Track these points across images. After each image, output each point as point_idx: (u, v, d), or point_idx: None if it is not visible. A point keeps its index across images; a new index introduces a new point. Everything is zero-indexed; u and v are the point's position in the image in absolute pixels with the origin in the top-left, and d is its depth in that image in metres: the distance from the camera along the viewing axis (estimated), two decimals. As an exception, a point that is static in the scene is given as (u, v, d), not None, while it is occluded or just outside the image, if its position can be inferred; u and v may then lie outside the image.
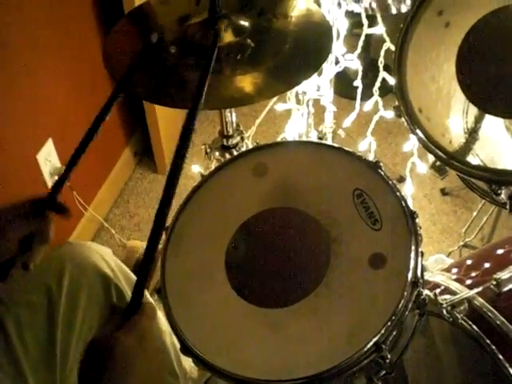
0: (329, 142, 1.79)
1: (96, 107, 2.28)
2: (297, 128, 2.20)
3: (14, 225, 1.11)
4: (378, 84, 1.99)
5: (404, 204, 1.12)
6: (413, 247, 1.06)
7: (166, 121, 2.52)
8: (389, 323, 0.99)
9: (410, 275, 1.03)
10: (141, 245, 2.16)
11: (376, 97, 2.04)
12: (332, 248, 1.11)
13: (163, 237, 1.21)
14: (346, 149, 1.25)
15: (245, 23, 1.42)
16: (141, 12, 1.59)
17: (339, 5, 1.78)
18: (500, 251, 1.49)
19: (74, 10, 2.08)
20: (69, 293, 1.31)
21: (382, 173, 1.18)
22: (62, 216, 1.17)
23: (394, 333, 1.00)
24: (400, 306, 1.00)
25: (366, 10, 1.64)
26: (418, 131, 1.32)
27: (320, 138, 2.22)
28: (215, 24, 1.39)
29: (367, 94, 2.12)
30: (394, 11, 1.52)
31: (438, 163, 1.29)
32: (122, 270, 1.45)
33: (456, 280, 1.37)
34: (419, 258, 1.06)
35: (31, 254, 1.11)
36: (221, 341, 1.08)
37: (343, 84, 2.41)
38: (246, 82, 1.32)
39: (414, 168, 2.14)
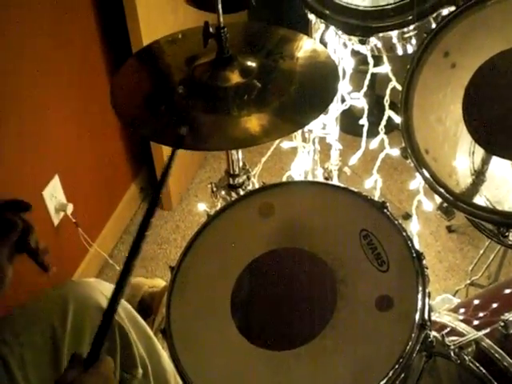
0: (335, 181, 1.79)
1: (102, 145, 2.31)
2: (303, 166, 2.20)
3: None
4: (383, 122, 1.99)
5: (411, 245, 1.12)
6: (420, 289, 1.06)
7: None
8: (396, 366, 0.98)
9: (417, 318, 1.03)
10: (145, 282, 2.15)
11: (382, 135, 2.04)
12: (338, 289, 1.11)
13: (169, 276, 1.21)
14: (352, 189, 1.26)
15: (252, 64, 1.43)
16: (149, 52, 1.60)
17: (345, 45, 1.79)
18: (507, 291, 1.48)
19: (83, 48, 2.10)
20: (73, 333, 1.30)
21: (389, 213, 1.18)
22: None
23: (402, 376, 0.99)
24: (407, 349, 1.00)
25: (371, 50, 1.65)
26: (424, 172, 1.32)
27: (326, 178, 2.22)
28: (223, 65, 1.39)
29: (373, 131, 2.13)
30: (400, 52, 1.53)
31: (445, 205, 1.29)
32: (126, 309, 1.44)
33: (463, 321, 1.36)
34: (426, 300, 1.05)
35: None
36: (224, 382, 1.07)
37: (349, 121, 2.41)
38: (253, 123, 1.32)
39: (420, 205, 2.13)
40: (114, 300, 0.97)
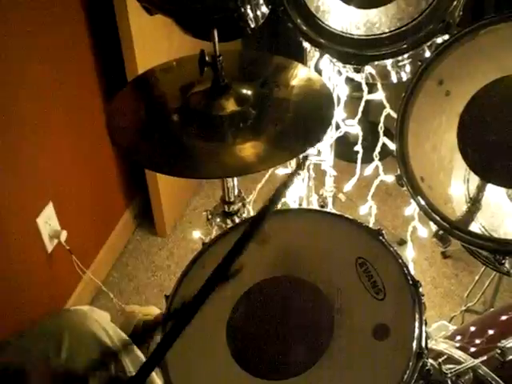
0: (330, 209, 1.79)
1: (96, 172, 2.32)
2: (298, 192, 2.20)
3: None
4: (378, 149, 2.00)
5: (407, 272, 1.12)
6: (417, 317, 1.06)
7: (166, 185, 2.53)
8: (393, 396, 0.97)
9: (414, 346, 1.02)
10: (139, 310, 2.13)
11: (376, 161, 2.05)
12: (335, 318, 1.10)
13: (163, 303, 1.20)
14: (348, 216, 1.26)
15: (247, 92, 1.43)
16: (144, 80, 1.61)
17: (339, 72, 1.80)
18: (503, 318, 1.48)
19: (78, 76, 2.11)
20: (67, 362, 1.29)
21: (385, 241, 1.18)
22: None
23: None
24: (405, 378, 0.99)
25: (365, 77, 1.65)
26: (420, 200, 1.32)
27: (322, 206, 2.22)
28: (219, 93, 1.40)
29: (367, 157, 2.13)
30: (394, 80, 1.53)
31: (440, 232, 1.28)
32: (121, 338, 1.43)
33: (460, 348, 1.36)
34: (423, 327, 1.05)
35: None
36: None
37: (343, 147, 2.42)
38: (248, 151, 1.32)
39: (415, 231, 2.13)
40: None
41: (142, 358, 1.50)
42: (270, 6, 1.47)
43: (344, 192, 2.37)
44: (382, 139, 1.97)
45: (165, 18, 1.44)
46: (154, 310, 2.14)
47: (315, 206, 2.25)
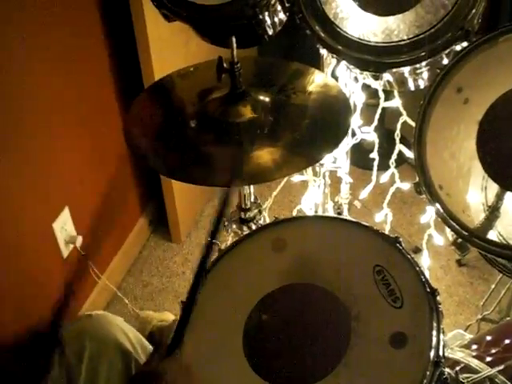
0: (347, 216, 1.78)
1: (112, 178, 2.32)
2: (313, 199, 2.20)
3: None
4: (394, 156, 2.00)
5: (425, 280, 1.11)
6: (434, 325, 1.05)
7: (181, 191, 2.53)
8: (410, 404, 0.97)
9: (432, 355, 1.02)
10: (154, 316, 2.14)
11: (393, 169, 2.04)
12: (352, 326, 1.10)
13: (178, 310, 1.20)
14: (365, 224, 1.25)
15: (264, 99, 1.44)
16: (161, 86, 1.61)
17: (356, 79, 1.80)
18: (520, 327, 1.47)
19: (94, 81, 2.12)
20: (89, 368, 1.30)
21: (402, 249, 1.18)
22: None
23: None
24: (422, 386, 0.98)
25: (383, 85, 1.65)
26: (438, 207, 1.31)
27: (339, 213, 2.21)
28: (236, 100, 1.40)
29: (382, 164, 2.12)
30: (411, 87, 1.53)
31: (459, 240, 1.28)
32: (142, 343, 1.44)
33: (476, 357, 1.35)
34: (441, 336, 1.04)
35: None
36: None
37: (358, 154, 2.41)
38: (265, 158, 1.32)
39: (431, 239, 2.12)
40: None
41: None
42: (287, 14, 1.47)
43: (360, 199, 2.37)
44: (399, 146, 1.97)
45: (182, 24, 1.45)
46: (169, 316, 2.14)
47: (331, 213, 2.24)
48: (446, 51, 1.38)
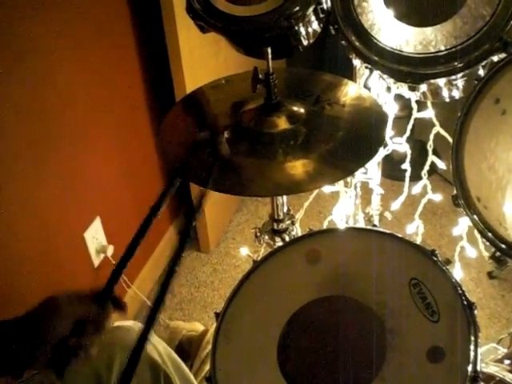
0: (381, 228, 1.76)
1: (142, 188, 2.33)
2: (344, 210, 2.19)
3: (72, 305, 1.09)
4: (426, 167, 1.98)
5: (461, 294, 1.10)
6: (472, 339, 1.04)
7: (210, 201, 2.53)
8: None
9: (470, 369, 1.00)
10: (184, 326, 2.14)
11: (425, 180, 2.02)
12: (388, 340, 1.08)
13: (206, 319, 1.20)
14: (399, 235, 1.24)
15: (299, 110, 1.43)
16: (194, 97, 1.61)
17: (388, 89, 1.79)
18: (551, 340, 1.45)
19: (127, 93, 2.14)
20: (119, 380, 1.29)
21: (439, 262, 1.16)
22: (118, 310, 1.17)
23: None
24: (460, 402, 0.97)
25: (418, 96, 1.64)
26: (476, 220, 1.29)
27: (374, 225, 2.20)
28: (271, 110, 1.39)
29: (412, 175, 2.11)
30: (446, 98, 1.51)
31: (497, 254, 1.26)
32: (170, 355, 1.43)
33: (511, 371, 1.33)
34: (478, 350, 1.03)
35: (82, 339, 1.09)
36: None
37: (389, 165, 2.40)
38: (299, 169, 1.31)
39: (462, 251, 2.10)
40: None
41: (189, 374, 1.50)
42: (321, 25, 1.46)
43: (391, 211, 2.35)
44: (431, 157, 1.95)
45: (214, 35, 1.45)
46: (199, 327, 2.13)
47: (362, 224, 2.23)
48: (483, 62, 1.36)
